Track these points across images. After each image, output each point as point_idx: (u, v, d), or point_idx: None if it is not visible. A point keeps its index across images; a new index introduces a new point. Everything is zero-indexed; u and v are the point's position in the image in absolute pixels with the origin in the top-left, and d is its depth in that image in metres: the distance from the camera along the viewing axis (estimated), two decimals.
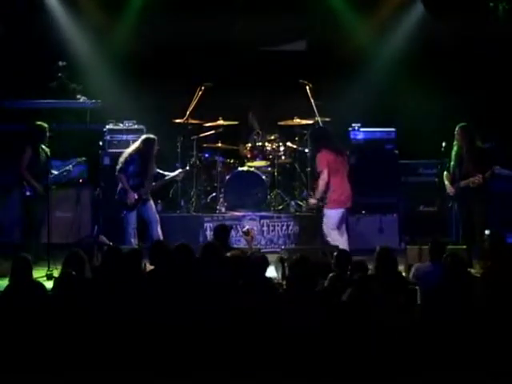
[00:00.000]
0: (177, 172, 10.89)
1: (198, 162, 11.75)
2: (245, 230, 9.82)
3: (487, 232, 9.30)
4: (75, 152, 11.17)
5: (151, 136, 10.48)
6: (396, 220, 11.58)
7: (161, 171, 10.69)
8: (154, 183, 10.58)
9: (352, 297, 6.88)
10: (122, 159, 10.39)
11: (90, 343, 6.51)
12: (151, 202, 10.55)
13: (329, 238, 10.00)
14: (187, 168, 11.30)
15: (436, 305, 6.87)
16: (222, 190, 11.67)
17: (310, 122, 11.80)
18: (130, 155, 10.36)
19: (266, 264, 7.41)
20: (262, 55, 13.03)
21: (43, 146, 10.48)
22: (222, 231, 8.90)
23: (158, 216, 10.55)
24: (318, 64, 12.61)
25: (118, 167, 10.39)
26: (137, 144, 10.50)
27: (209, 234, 11.07)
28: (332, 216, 10.06)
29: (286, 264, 9.11)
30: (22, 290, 6.89)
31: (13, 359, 6.40)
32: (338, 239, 9.94)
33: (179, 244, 7.61)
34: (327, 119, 11.74)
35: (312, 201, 10.41)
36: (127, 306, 6.86)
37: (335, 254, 7.95)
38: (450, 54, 12.54)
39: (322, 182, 10.01)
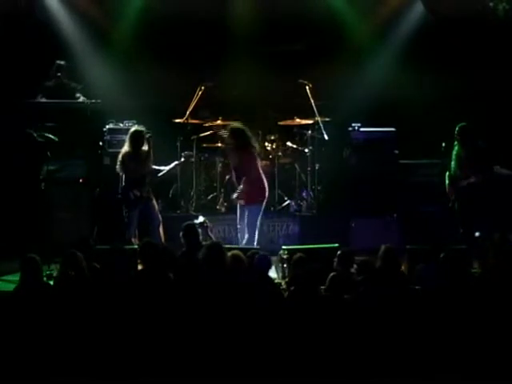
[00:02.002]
0: (172, 164, 10.84)
1: (192, 159, 11.67)
2: (201, 220, 9.73)
3: (477, 234, 9.34)
4: (75, 152, 11.18)
5: (138, 128, 10.44)
6: (396, 220, 11.55)
7: (156, 167, 10.63)
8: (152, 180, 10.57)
9: (355, 296, 6.90)
10: (119, 157, 10.40)
11: (86, 343, 6.53)
12: (154, 202, 10.51)
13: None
14: (182, 160, 11.17)
15: (437, 305, 6.87)
16: (222, 190, 11.67)
17: (310, 121, 11.80)
18: (125, 152, 10.35)
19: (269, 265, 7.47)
20: (262, 55, 13.01)
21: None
22: (191, 230, 8.81)
23: (160, 216, 10.52)
24: (318, 64, 12.59)
25: (117, 167, 10.39)
26: (127, 139, 10.47)
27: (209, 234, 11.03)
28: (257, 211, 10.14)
29: (285, 264, 9.12)
30: (32, 291, 6.87)
31: (19, 360, 6.40)
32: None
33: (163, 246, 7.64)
34: (327, 119, 11.74)
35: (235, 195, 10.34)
36: (125, 306, 6.86)
37: (338, 253, 7.95)
38: (451, 54, 12.53)
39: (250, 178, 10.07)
